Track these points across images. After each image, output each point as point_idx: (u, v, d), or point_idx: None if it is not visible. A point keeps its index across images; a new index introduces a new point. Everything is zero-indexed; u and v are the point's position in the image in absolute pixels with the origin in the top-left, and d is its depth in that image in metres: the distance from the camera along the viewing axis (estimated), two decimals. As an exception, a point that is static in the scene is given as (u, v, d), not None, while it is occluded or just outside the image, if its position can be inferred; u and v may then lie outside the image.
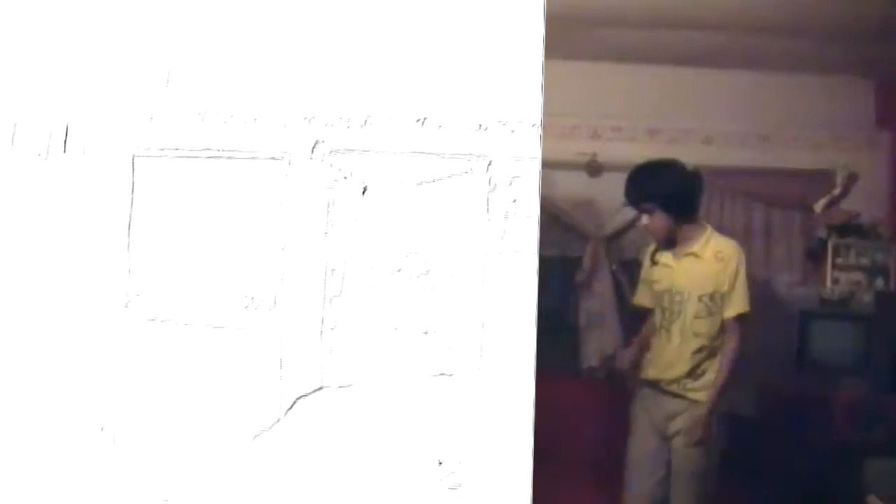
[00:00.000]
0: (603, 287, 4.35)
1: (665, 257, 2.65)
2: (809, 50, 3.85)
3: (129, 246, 0.83)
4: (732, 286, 2.54)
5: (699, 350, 2.57)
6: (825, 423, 3.60)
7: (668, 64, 4.09)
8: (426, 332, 0.83)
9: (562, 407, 3.06)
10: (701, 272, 2.56)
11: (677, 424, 2.61)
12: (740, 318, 2.57)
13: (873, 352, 3.79)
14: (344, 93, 0.83)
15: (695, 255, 2.59)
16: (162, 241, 0.83)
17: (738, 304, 2.55)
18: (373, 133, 0.83)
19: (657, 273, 2.66)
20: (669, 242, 2.61)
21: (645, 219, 2.62)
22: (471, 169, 0.83)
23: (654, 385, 2.67)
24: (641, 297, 2.78)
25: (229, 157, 0.83)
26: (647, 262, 2.75)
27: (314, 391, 0.82)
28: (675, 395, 2.61)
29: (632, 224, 4.41)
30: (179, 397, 0.83)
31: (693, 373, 2.59)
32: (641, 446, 2.68)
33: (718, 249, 2.58)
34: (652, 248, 2.73)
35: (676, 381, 2.61)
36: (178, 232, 0.83)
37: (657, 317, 2.66)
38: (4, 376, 0.82)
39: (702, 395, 2.59)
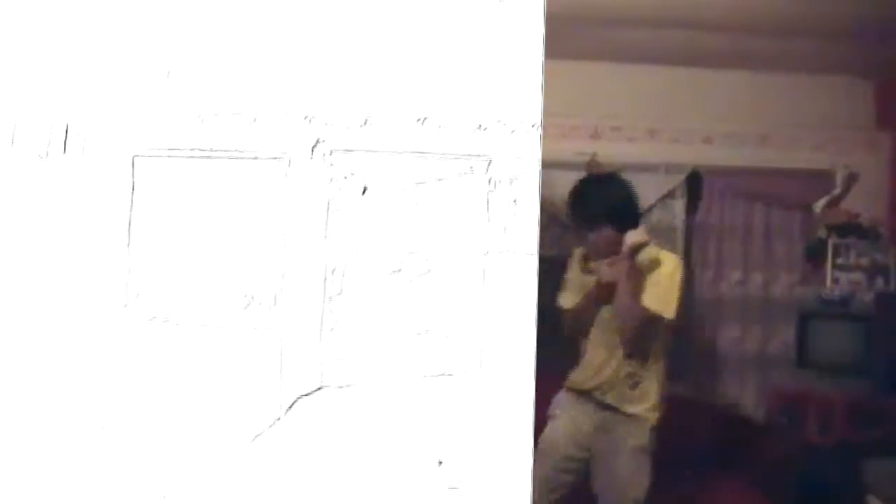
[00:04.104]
0: (603, 287, 4.34)
1: (597, 265, 2.63)
2: (809, 50, 3.85)
3: (129, 246, 0.83)
4: (655, 284, 2.53)
5: (629, 355, 2.55)
6: (825, 423, 3.60)
7: (668, 64, 4.09)
8: (426, 332, 0.83)
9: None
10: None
11: (608, 440, 2.57)
12: (661, 321, 2.54)
13: (873, 352, 3.79)
14: (344, 93, 0.83)
15: None
16: (162, 241, 0.83)
17: (654, 300, 2.51)
18: (373, 133, 0.83)
19: (588, 280, 2.64)
20: (610, 253, 2.59)
21: (592, 235, 2.61)
22: (471, 169, 0.83)
23: (586, 395, 2.62)
24: (566, 301, 2.71)
25: (229, 157, 0.83)
26: (575, 267, 2.71)
27: (314, 391, 0.82)
28: (609, 408, 2.57)
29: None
30: (179, 397, 0.83)
31: (630, 379, 2.56)
32: (554, 454, 2.59)
33: (652, 258, 2.57)
34: (580, 252, 2.70)
35: (610, 388, 2.57)
36: (178, 232, 0.83)
37: (586, 322, 2.64)
38: (4, 376, 0.82)
39: (640, 409, 2.56)
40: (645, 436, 2.55)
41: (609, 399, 2.57)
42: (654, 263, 2.56)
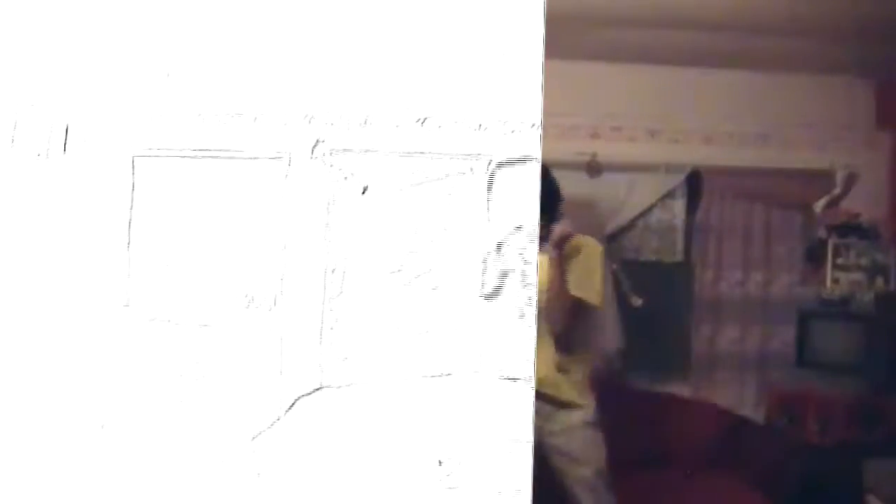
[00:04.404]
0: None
1: None
2: (809, 50, 3.85)
3: (129, 246, 0.83)
4: (578, 270, 2.60)
5: (557, 339, 2.61)
6: (825, 423, 3.60)
7: (668, 64, 4.09)
8: (426, 332, 0.83)
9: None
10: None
11: (551, 425, 2.62)
12: (584, 306, 2.62)
13: (873, 352, 3.79)
14: (344, 93, 0.83)
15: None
16: (162, 241, 0.83)
17: (578, 287, 2.58)
18: (373, 133, 0.83)
19: None
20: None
21: None
22: (471, 169, 0.83)
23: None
24: None
25: (229, 157, 0.83)
26: None
27: (314, 391, 0.82)
28: (545, 398, 2.59)
29: (633, 223, 4.42)
30: (179, 397, 0.83)
31: (562, 367, 2.62)
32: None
33: (576, 244, 2.66)
34: None
35: (544, 379, 2.62)
36: (178, 232, 0.83)
37: None
38: (4, 376, 0.82)
39: (575, 394, 2.61)
40: (588, 412, 2.64)
41: (546, 389, 2.60)
42: (576, 251, 2.65)
